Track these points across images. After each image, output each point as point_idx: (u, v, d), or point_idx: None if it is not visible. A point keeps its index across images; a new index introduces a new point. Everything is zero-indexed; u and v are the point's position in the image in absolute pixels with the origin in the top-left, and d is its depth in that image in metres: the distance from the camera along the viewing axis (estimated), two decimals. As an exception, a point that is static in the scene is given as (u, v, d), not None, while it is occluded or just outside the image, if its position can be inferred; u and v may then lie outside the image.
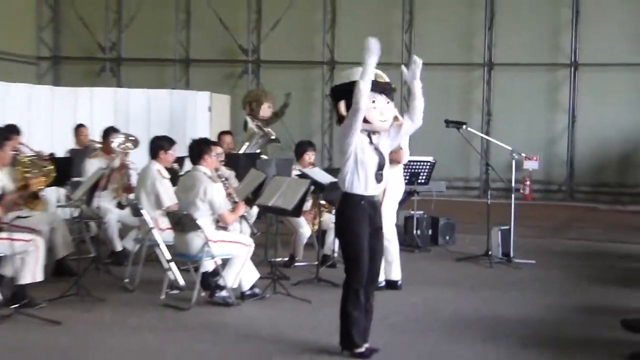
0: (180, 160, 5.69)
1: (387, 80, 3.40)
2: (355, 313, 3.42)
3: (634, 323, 4.08)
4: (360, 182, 3.22)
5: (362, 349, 3.46)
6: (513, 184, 6.99)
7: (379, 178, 3.28)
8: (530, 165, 11.07)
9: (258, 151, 7.80)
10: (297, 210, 4.96)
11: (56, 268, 5.38)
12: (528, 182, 11.89)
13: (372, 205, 3.37)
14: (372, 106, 3.17)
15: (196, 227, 4.51)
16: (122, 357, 3.86)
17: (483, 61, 13.04)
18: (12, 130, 5.27)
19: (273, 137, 8.44)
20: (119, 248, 5.78)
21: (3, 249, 4.34)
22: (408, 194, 6.66)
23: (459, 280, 6.14)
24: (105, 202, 5.65)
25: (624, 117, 12.30)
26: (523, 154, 7.42)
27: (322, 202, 5.92)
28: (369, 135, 3.26)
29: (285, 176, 5.56)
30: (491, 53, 13.04)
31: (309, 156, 6.26)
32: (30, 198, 4.91)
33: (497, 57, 13.08)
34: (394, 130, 3.36)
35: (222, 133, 7.35)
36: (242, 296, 4.73)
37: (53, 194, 6.54)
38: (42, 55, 14.03)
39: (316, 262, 5.61)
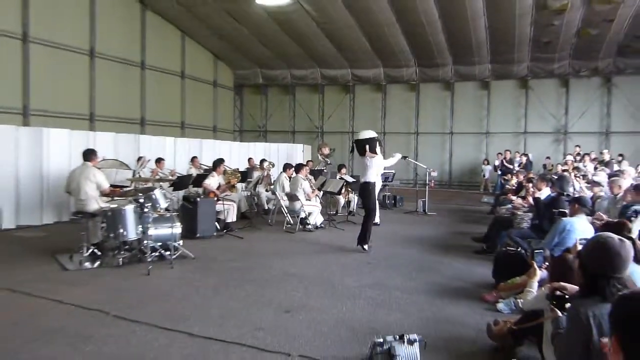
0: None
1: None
2: (369, 229, 8.50)
3: (478, 237, 9.23)
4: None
5: (367, 246, 8.37)
6: (427, 181, 13.33)
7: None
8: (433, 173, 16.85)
9: (322, 169, 13.92)
10: (339, 192, 11.09)
11: (240, 216, 11.10)
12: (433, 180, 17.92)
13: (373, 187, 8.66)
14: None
15: (297, 199, 10.56)
16: (271, 250, 8.52)
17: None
18: (221, 160, 11.26)
19: (329, 163, 14.58)
20: (266, 207, 12.01)
21: (221, 208, 10.36)
22: (384, 185, 12.87)
23: (405, 221, 12.15)
24: (260, 188, 11.91)
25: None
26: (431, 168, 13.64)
27: (349, 189, 11.97)
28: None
29: (334, 179, 11.67)
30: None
31: (344, 170, 12.35)
32: (231, 187, 11.03)
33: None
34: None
35: (308, 161, 13.65)
36: (316, 227, 10.66)
37: (239, 186, 12.17)
38: (235, 129, 23.93)
39: (346, 214, 11.67)
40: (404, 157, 11.47)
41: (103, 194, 7.50)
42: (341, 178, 11.69)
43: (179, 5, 19.26)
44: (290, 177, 11.00)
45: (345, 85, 24.14)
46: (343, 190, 11.34)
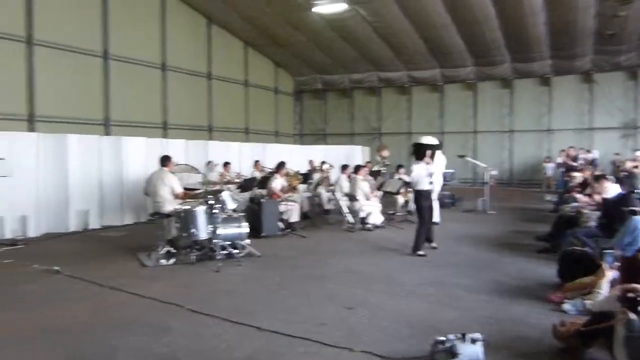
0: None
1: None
2: (422, 235, 8.14)
3: (542, 236, 8.79)
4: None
5: (422, 252, 8.01)
6: (486, 180, 13.01)
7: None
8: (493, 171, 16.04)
9: (381, 169, 13.81)
10: (397, 192, 10.99)
11: (303, 216, 11.14)
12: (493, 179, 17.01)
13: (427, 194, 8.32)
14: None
15: (356, 199, 10.57)
16: (332, 248, 8.61)
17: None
18: (283, 163, 11.48)
19: (387, 164, 14.45)
20: (326, 207, 12.11)
21: (284, 208, 10.54)
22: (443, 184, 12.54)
23: (464, 219, 11.85)
24: (321, 189, 12.03)
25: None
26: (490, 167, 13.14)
27: (408, 188, 11.80)
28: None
29: (392, 179, 11.58)
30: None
31: (402, 170, 12.19)
32: (293, 188, 11.21)
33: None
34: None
35: (367, 162, 13.62)
36: (375, 226, 10.60)
37: (301, 187, 12.20)
38: (295, 133, 25.17)
39: (405, 213, 11.54)
40: (462, 156, 11.21)
41: (177, 196, 7.84)
42: (399, 178, 11.59)
43: (241, 18, 19.78)
44: (349, 178, 11.03)
45: (401, 86, 23.90)
46: (402, 190, 11.23)
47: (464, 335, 3.71)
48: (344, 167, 11.52)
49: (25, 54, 14.07)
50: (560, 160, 18.08)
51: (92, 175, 10.45)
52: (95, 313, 5.08)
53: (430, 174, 8.08)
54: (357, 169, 11.08)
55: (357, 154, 17.41)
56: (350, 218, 10.54)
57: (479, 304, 5.41)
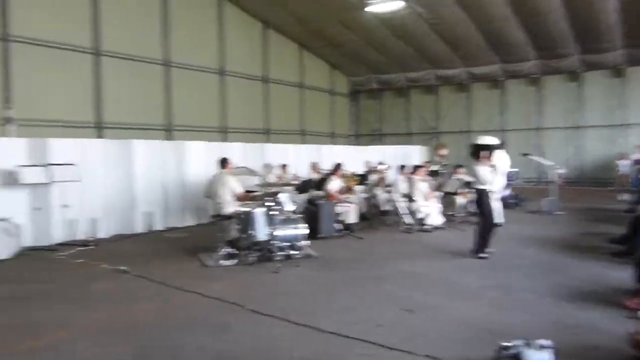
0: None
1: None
2: (485, 237, 7.73)
3: (616, 238, 8.23)
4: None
5: (485, 254, 7.68)
6: (551, 179, 12.36)
7: None
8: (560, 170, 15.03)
9: (439, 169, 13.52)
10: (457, 193, 10.74)
11: (360, 217, 11.06)
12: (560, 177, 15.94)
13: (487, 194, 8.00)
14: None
15: (415, 200, 10.42)
16: (390, 249, 8.53)
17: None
18: (339, 165, 11.45)
19: (445, 164, 14.11)
20: (384, 209, 12.02)
21: (341, 209, 10.55)
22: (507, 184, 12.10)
23: (529, 221, 11.41)
24: (378, 190, 11.98)
25: None
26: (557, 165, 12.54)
27: (468, 189, 11.47)
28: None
29: (451, 179, 11.33)
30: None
31: (462, 170, 11.88)
32: (350, 190, 11.22)
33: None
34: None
35: (426, 162, 13.37)
36: (434, 227, 10.40)
37: (358, 188, 12.09)
38: (351, 134, 25.12)
39: (466, 214, 11.24)
40: (525, 155, 10.80)
41: (237, 197, 8.05)
42: (459, 178, 11.32)
43: (296, 21, 20.04)
44: (407, 179, 10.90)
45: (460, 84, 23.41)
46: (461, 190, 10.96)
47: (531, 342, 3.58)
48: (402, 168, 11.41)
49: (92, 64, 14.91)
50: (637, 156, 16.99)
51: (156, 179, 10.91)
52: (160, 311, 5.30)
53: (493, 173, 7.83)
54: (415, 169, 10.94)
55: (414, 153, 17.32)
56: (408, 219, 10.40)
57: (546, 308, 5.20)
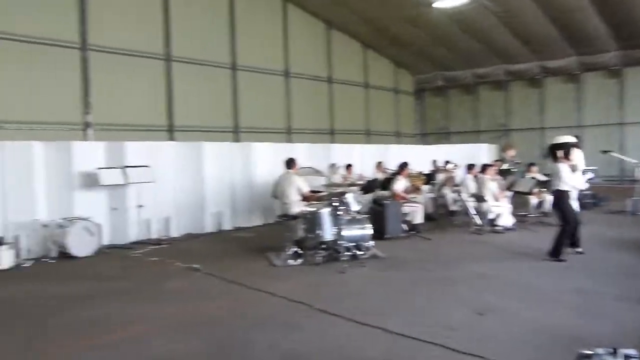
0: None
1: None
2: (563, 239, 7.31)
3: None
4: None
5: (563, 257, 7.19)
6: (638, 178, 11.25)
7: None
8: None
9: (510, 168, 13.07)
10: (530, 192, 10.32)
11: (427, 217, 10.85)
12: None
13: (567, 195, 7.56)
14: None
15: (484, 200, 10.11)
16: (459, 250, 8.31)
17: None
18: (405, 164, 11.36)
19: (517, 162, 13.60)
20: (452, 209, 11.80)
21: (408, 209, 10.42)
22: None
23: (611, 222, 10.77)
24: (445, 189, 11.76)
25: None
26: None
27: (542, 188, 10.98)
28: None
29: (524, 178, 10.89)
30: None
31: (535, 168, 11.41)
32: (416, 189, 11.07)
33: None
34: None
35: (496, 160, 12.93)
36: (506, 229, 9.99)
37: (425, 188, 11.96)
38: (416, 133, 25.31)
39: (539, 214, 10.75)
40: (606, 152, 10.20)
41: (303, 196, 8.18)
42: (532, 177, 10.87)
43: (360, 21, 20.03)
44: (476, 178, 10.61)
45: (532, 78, 22.45)
46: (535, 189, 10.51)
47: (615, 350, 3.37)
48: (470, 167, 11.13)
49: (164, 70, 15.62)
50: None
51: (225, 180, 11.27)
52: (231, 309, 5.48)
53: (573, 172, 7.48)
54: (485, 168, 10.63)
55: (483, 152, 16.70)
56: (477, 220, 10.12)
57: (631, 315, 4.89)
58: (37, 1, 12.86)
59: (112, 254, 8.76)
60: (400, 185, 10.18)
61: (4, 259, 7.57)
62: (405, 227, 9.71)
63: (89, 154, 9.40)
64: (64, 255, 8.26)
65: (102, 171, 9.09)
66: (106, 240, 9.18)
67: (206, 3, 16.84)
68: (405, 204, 9.90)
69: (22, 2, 12.62)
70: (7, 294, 6.30)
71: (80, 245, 8.32)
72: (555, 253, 7.35)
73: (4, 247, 7.66)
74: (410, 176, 10.96)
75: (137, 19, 14.98)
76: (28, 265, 7.89)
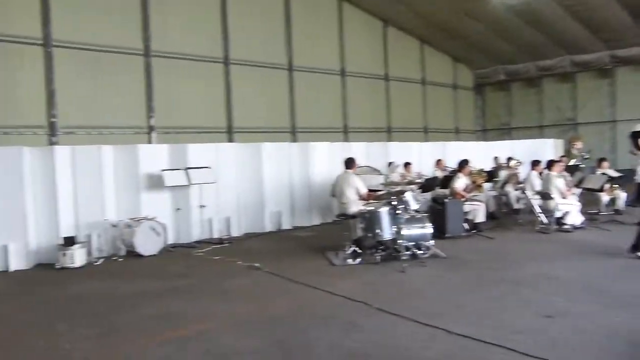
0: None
1: None
2: None
3: None
4: None
5: None
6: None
7: None
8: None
9: (579, 164, 12.48)
10: (601, 189, 9.80)
11: (489, 216, 10.55)
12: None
13: None
14: None
15: (550, 197, 9.66)
16: (524, 250, 8.03)
17: None
18: (466, 161, 10.96)
19: (586, 157, 12.96)
20: (515, 207, 11.41)
21: (469, 208, 10.11)
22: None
23: None
24: (508, 187, 11.39)
25: None
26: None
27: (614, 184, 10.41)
28: None
29: (593, 174, 10.35)
30: None
31: (606, 164, 10.81)
32: (478, 187, 10.74)
33: None
34: None
35: (562, 156, 12.48)
36: (574, 227, 9.52)
37: (486, 185, 11.66)
38: (477, 129, 25.12)
39: (612, 212, 10.18)
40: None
41: (361, 197, 8.16)
42: (603, 173, 10.32)
43: (417, 17, 19.74)
44: (541, 175, 10.20)
45: (602, 69, 21.29)
46: (606, 186, 9.97)
47: None
48: (535, 163, 10.70)
49: (223, 72, 16.03)
50: None
51: (283, 180, 11.43)
52: (292, 307, 5.55)
53: None
54: (551, 164, 10.17)
55: (548, 147, 16.01)
56: (543, 218, 9.72)
57: None
58: (103, 12, 13.55)
59: (176, 252, 9.09)
60: (460, 183, 9.94)
61: (77, 258, 8.01)
62: (466, 226, 9.48)
63: (154, 156, 9.79)
64: (132, 254, 8.66)
65: (166, 173, 9.44)
66: (170, 240, 9.53)
67: (262, 5, 17.14)
68: (466, 203, 9.66)
69: (89, 13, 13.33)
70: (80, 291, 6.68)
71: (146, 244, 8.69)
72: (636, 247, 7.00)
73: (76, 246, 8.10)
74: (471, 174, 10.64)
75: (196, 25, 15.46)
76: (99, 263, 8.33)
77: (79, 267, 7.98)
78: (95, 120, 13.47)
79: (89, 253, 8.44)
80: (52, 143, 12.24)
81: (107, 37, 13.54)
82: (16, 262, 8.01)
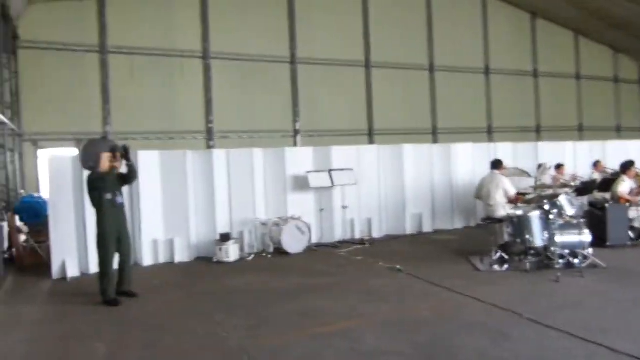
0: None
1: None
2: None
3: None
4: None
5: None
6: None
7: None
8: None
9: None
10: None
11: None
12: None
13: None
14: None
15: None
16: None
17: None
18: (631, 163, 9.48)
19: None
20: None
21: (635, 214, 8.98)
22: None
23: None
24: None
25: None
26: None
27: None
28: None
29: None
30: None
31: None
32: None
33: None
34: None
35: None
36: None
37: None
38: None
39: None
40: None
41: (510, 199, 7.76)
42: None
43: (570, 5, 18.17)
44: None
45: None
46: None
47: None
48: None
49: (364, 76, 16.31)
50: None
51: (424, 181, 11.27)
52: (435, 311, 5.46)
53: None
54: None
55: None
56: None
57: None
58: (253, 24, 14.66)
59: (319, 252, 9.44)
60: (624, 186, 8.92)
61: (231, 252, 8.73)
62: (631, 234, 8.50)
63: (299, 158, 10.28)
64: (279, 251, 9.19)
65: (311, 174, 9.87)
66: (314, 239, 9.92)
67: (403, 6, 17.12)
68: (631, 208, 8.65)
69: (241, 27, 14.52)
70: (235, 284, 7.24)
71: (292, 242, 9.17)
72: None
73: (231, 241, 8.83)
74: (637, 176, 9.56)
75: (339, 30, 15.97)
76: (250, 259, 8.97)
77: (233, 262, 8.66)
78: (247, 125, 14.59)
79: (242, 249, 9.14)
80: (209, 147, 13.53)
81: (256, 48, 14.63)
82: (180, 255, 8.94)
